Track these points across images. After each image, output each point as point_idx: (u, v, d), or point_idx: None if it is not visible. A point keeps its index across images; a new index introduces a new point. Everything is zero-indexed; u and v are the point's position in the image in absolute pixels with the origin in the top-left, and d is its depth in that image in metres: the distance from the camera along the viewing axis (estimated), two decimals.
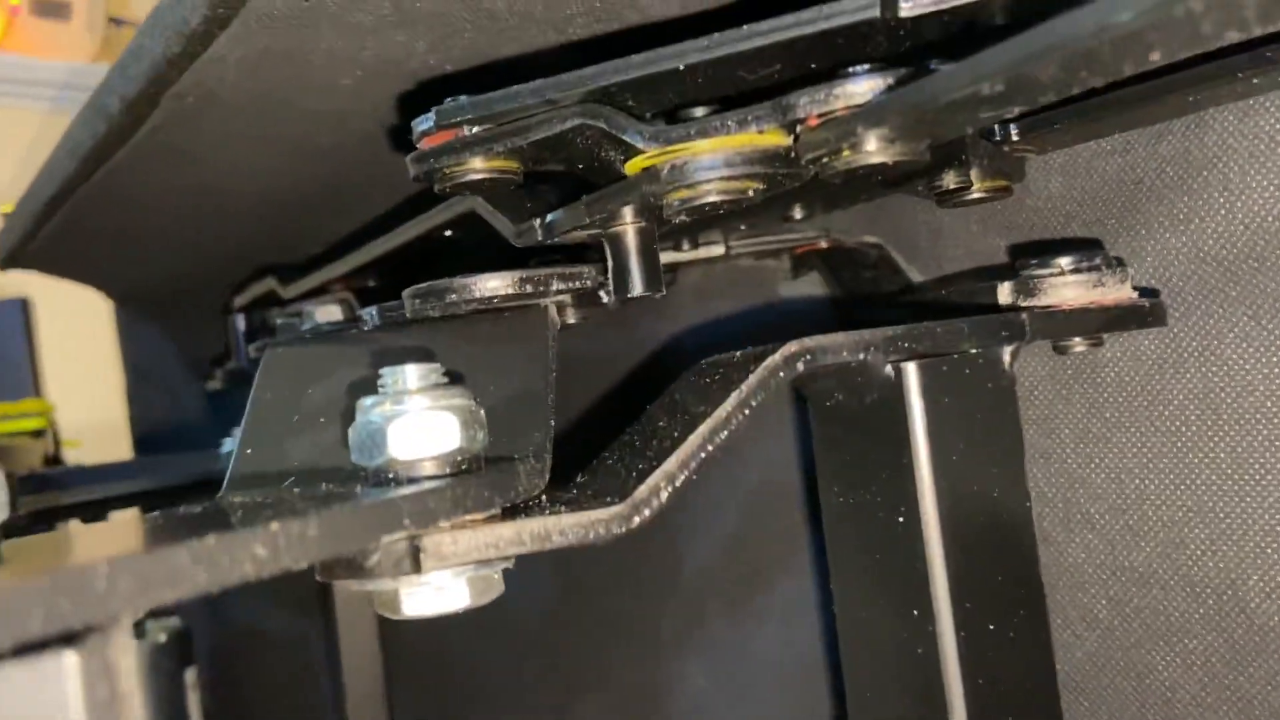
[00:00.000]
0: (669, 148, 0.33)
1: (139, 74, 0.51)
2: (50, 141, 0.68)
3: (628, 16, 0.47)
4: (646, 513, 0.31)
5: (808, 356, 0.34)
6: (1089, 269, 0.40)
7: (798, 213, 0.53)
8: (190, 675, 0.74)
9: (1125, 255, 0.46)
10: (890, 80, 0.31)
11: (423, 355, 0.33)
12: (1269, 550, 0.44)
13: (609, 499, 0.31)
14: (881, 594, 0.38)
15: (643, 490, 0.31)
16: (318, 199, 0.64)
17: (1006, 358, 0.39)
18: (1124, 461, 0.48)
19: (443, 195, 0.38)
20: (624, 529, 0.30)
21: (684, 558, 0.70)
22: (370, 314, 0.40)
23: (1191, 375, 0.45)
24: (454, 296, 0.36)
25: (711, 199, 0.34)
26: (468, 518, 0.30)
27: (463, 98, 0.37)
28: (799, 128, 0.33)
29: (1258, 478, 0.44)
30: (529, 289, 0.37)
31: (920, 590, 0.36)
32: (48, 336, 1.16)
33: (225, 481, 0.36)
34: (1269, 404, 0.43)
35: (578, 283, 0.37)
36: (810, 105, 0.31)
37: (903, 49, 0.35)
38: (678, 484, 0.31)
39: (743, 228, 0.58)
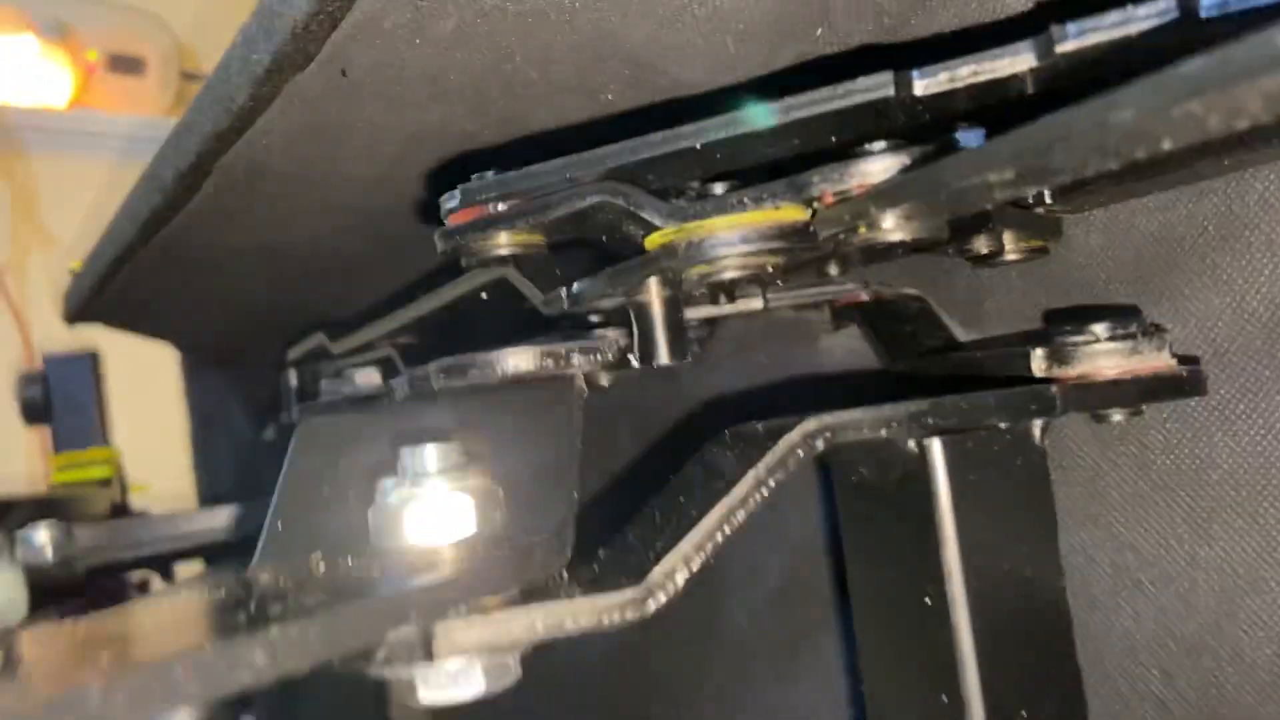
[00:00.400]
0: (686, 225, 0.33)
1: (190, 147, 0.53)
2: (122, 193, 0.70)
3: (660, 84, 0.47)
4: (663, 597, 0.31)
5: (827, 434, 0.33)
6: (1125, 336, 0.40)
7: (834, 269, 0.53)
8: None
9: (1168, 315, 0.45)
10: (906, 160, 0.31)
11: (442, 435, 0.33)
12: None
13: (625, 581, 0.31)
14: (910, 677, 0.37)
15: (657, 574, 0.30)
16: (363, 259, 0.65)
17: (1037, 432, 0.38)
18: (1173, 526, 0.46)
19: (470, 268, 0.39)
20: (639, 614, 0.30)
21: (727, 615, 0.70)
22: (401, 384, 0.41)
23: (1240, 438, 0.44)
24: (475, 373, 0.36)
25: (730, 275, 0.34)
26: (484, 601, 0.30)
27: (489, 174, 0.38)
28: (815, 203, 0.33)
29: None
30: (550, 364, 0.37)
31: (949, 675, 0.35)
32: (117, 384, 1.19)
33: (256, 553, 0.37)
34: None
35: (598, 356, 0.38)
36: (824, 184, 0.31)
37: (927, 121, 0.35)
38: (694, 567, 0.31)
39: (779, 283, 0.58)
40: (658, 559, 0.31)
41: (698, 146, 0.33)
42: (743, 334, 0.68)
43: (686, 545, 0.31)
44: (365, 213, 0.61)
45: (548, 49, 0.44)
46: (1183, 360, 0.42)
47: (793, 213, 0.33)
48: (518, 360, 0.37)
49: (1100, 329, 0.40)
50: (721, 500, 0.32)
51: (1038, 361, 0.40)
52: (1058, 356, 0.40)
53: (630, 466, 0.71)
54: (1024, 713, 0.36)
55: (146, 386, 1.32)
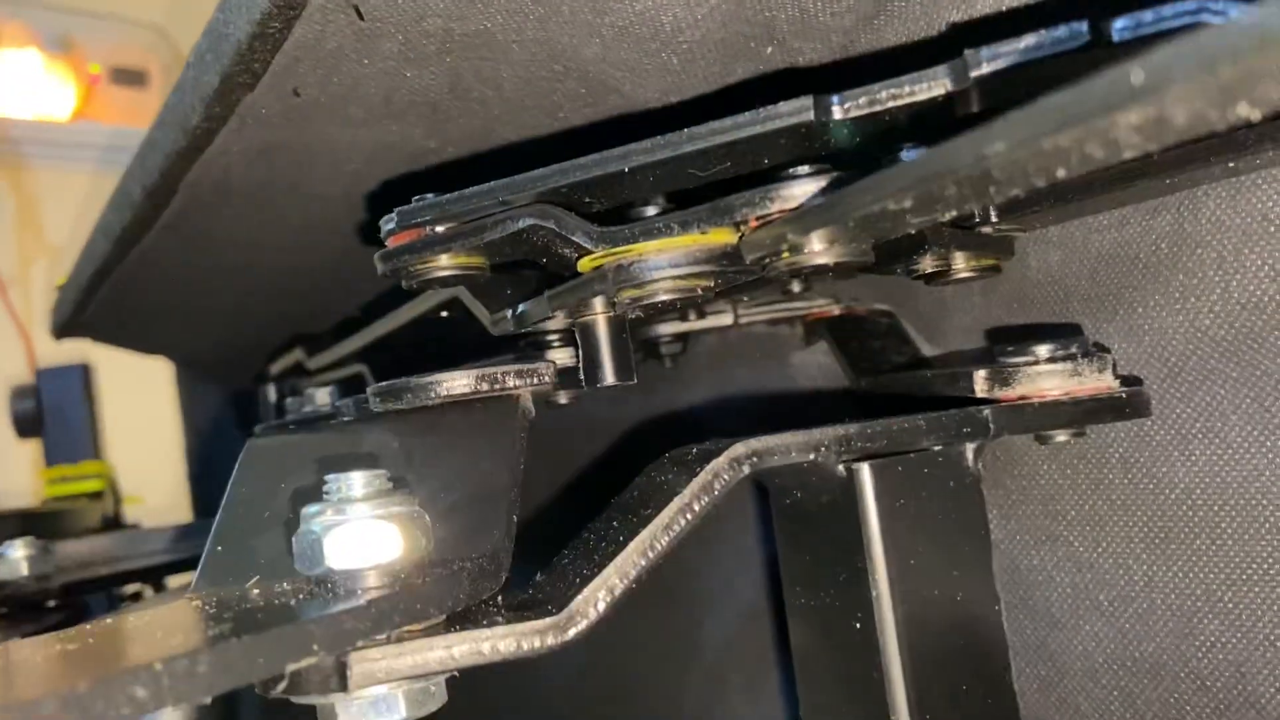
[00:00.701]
0: (615, 249, 0.33)
1: (154, 165, 0.54)
2: None
3: (614, 102, 0.47)
4: (583, 624, 0.30)
5: (754, 458, 0.33)
6: (1065, 358, 0.39)
7: (796, 286, 0.53)
8: None
9: (1123, 333, 0.44)
10: (824, 184, 0.31)
11: (371, 461, 0.33)
12: (1279, 642, 0.41)
13: (549, 608, 0.31)
14: (842, 699, 0.37)
15: (579, 601, 0.30)
16: (335, 275, 0.66)
17: (970, 455, 0.38)
18: (1130, 546, 0.46)
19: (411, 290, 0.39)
20: (558, 641, 0.30)
21: (704, 629, 0.70)
22: (347, 405, 0.41)
23: (1197, 457, 0.43)
24: (410, 397, 0.36)
25: (661, 298, 0.34)
26: (405, 629, 0.30)
27: (429, 196, 0.38)
28: (743, 227, 0.32)
29: (1266, 565, 0.42)
30: (485, 386, 0.37)
31: (878, 698, 0.35)
32: (110, 397, 1.20)
33: (195, 577, 0.37)
34: (1275, 489, 0.41)
35: (534, 379, 0.38)
36: (746, 209, 0.31)
37: (856, 144, 0.34)
38: (616, 594, 0.31)
39: (745, 299, 0.57)
40: (582, 586, 0.31)
41: (626, 170, 0.33)
42: (717, 349, 0.68)
43: (610, 572, 0.31)
44: (335, 229, 0.61)
45: (498, 68, 0.44)
46: (1125, 381, 0.42)
47: (721, 236, 0.33)
48: (453, 384, 0.36)
49: (1042, 350, 0.39)
50: (646, 527, 0.31)
51: (979, 383, 0.39)
52: (999, 378, 0.39)
53: (600, 483, 0.71)
54: None
55: (143, 400, 1.33)
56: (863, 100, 0.30)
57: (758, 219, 0.32)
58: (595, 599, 0.31)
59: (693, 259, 0.33)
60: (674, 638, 0.72)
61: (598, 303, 0.39)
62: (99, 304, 0.80)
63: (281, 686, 0.27)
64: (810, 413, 0.65)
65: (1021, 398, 0.39)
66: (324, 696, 0.29)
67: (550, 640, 0.30)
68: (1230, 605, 0.43)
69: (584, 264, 0.35)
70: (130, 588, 0.96)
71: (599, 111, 0.49)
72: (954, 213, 0.26)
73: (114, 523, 1.04)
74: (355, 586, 0.30)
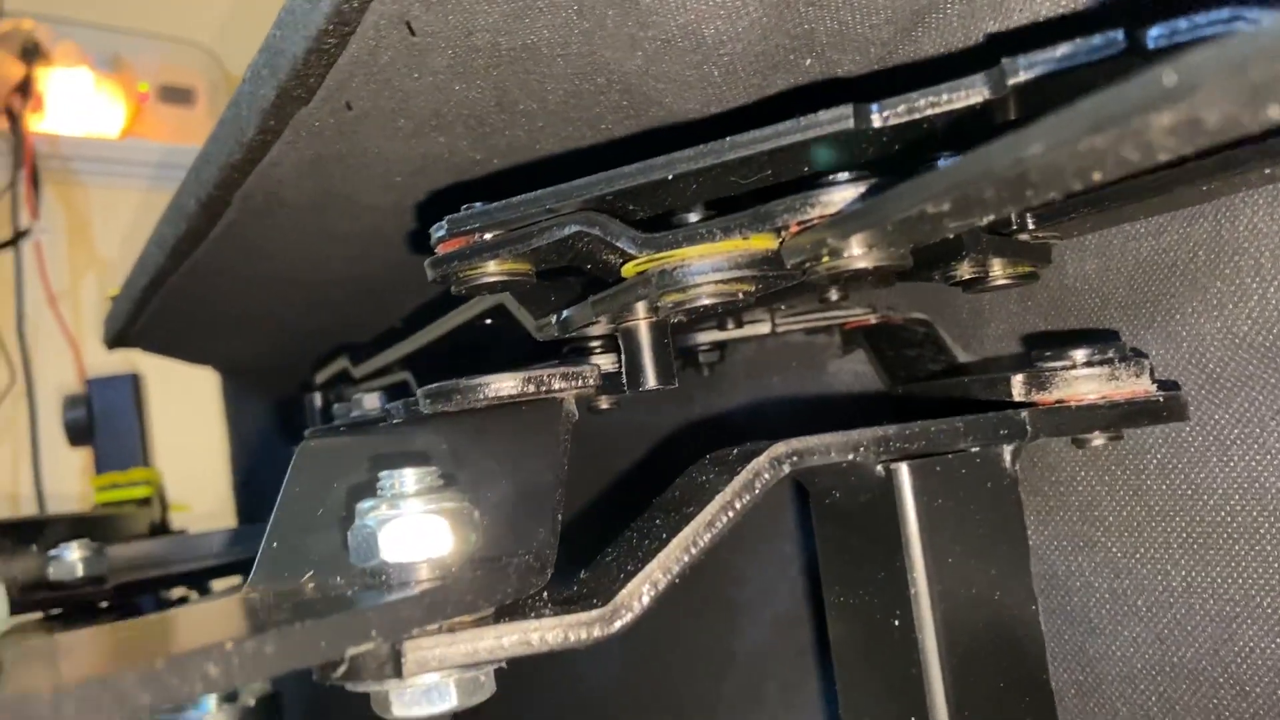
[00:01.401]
0: (659, 254, 0.34)
1: (209, 178, 0.55)
2: None
3: (655, 114, 0.48)
4: (628, 616, 0.31)
5: (794, 458, 0.34)
6: (1102, 362, 0.40)
7: (834, 294, 0.53)
8: None
9: (1160, 339, 0.45)
10: (863, 190, 0.31)
11: (423, 458, 0.34)
12: None
13: (595, 601, 0.32)
14: (881, 697, 0.37)
15: (624, 594, 0.31)
16: (383, 284, 0.67)
17: (1007, 456, 0.39)
18: (1169, 552, 0.46)
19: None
20: (605, 633, 0.31)
21: (741, 636, 0.70)
22: (397, 408, 0.42)
23: (1235, 463, 0.44)
24: (459, 398, 0.37)
25: (704, 301, 0.35)
26: (456, 620, 0.31)
27: (477, 205, 0.39)
28: (783, 233, 0.33)
29: None
30: (531, 389, 0.38)
31: (916, 696, 0.35)
32: (159, 407, 1.23)
33: (251, 574, 0.38)
34: None
35: (579, 381, 0.39)
36: (788, 214, 0.32)
37: (895, 152, 0.35)
38: (660, 588, 0.32)
39: (782, 307, 0.58)
40: (627, 580, 0.32)
41: (669, 178, 0.34)
42: (754, 358, 0.69)
43: (653, 567, 0.32)
44: (382, 239, 0.63)
45: (543, 82, 0.45)
46: (1163, 386, 0.42)
47: (762, 241, 0.34)
48: (501, 385, 0.38)
49: (1079, 355, 0.40)
50: (690, 523, 0.32)
51: (1017, 387, 0.40)
52: (1036, 382, 0.40)
53: (640, 488, 0.71)
54: None
55: (190, 410, 1.36)
56: (901, 109, 0.31)
57: (798, 224, 0.32)
58: (640, 592, 0.32)
59: (735, 263, 0.34)
60: (711, 645, 0.72)
61: (640, 308, 0.40)
62: (151, 315, 0.82)
63: (341, 671, 0.29)
64: (847, 420, 0.65)
65: (1058, 401, 0.40)
66: (379, 684, 0.30)
67: (596, 632, 0.31)
68: (1269, 610, 0.43)
69: (628, 269, 0.36)
70: (175, 592, 0.99)
71: (641, 123, 0.50)
72: (991, 216, 0.27)
73: (161, 529, 1.06)
74: (408, 579, 0.31)
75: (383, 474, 0.33)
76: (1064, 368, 0.40)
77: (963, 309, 0.56)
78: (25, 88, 1.57)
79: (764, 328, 0.62)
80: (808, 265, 0.33)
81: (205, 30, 1.79)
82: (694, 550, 0.32)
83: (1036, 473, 0.50)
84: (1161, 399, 0.41)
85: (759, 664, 0.69)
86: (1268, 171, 0.36)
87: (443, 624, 0.30)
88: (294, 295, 0.73)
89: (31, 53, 1.58)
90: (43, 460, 1.50)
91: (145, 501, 1.03)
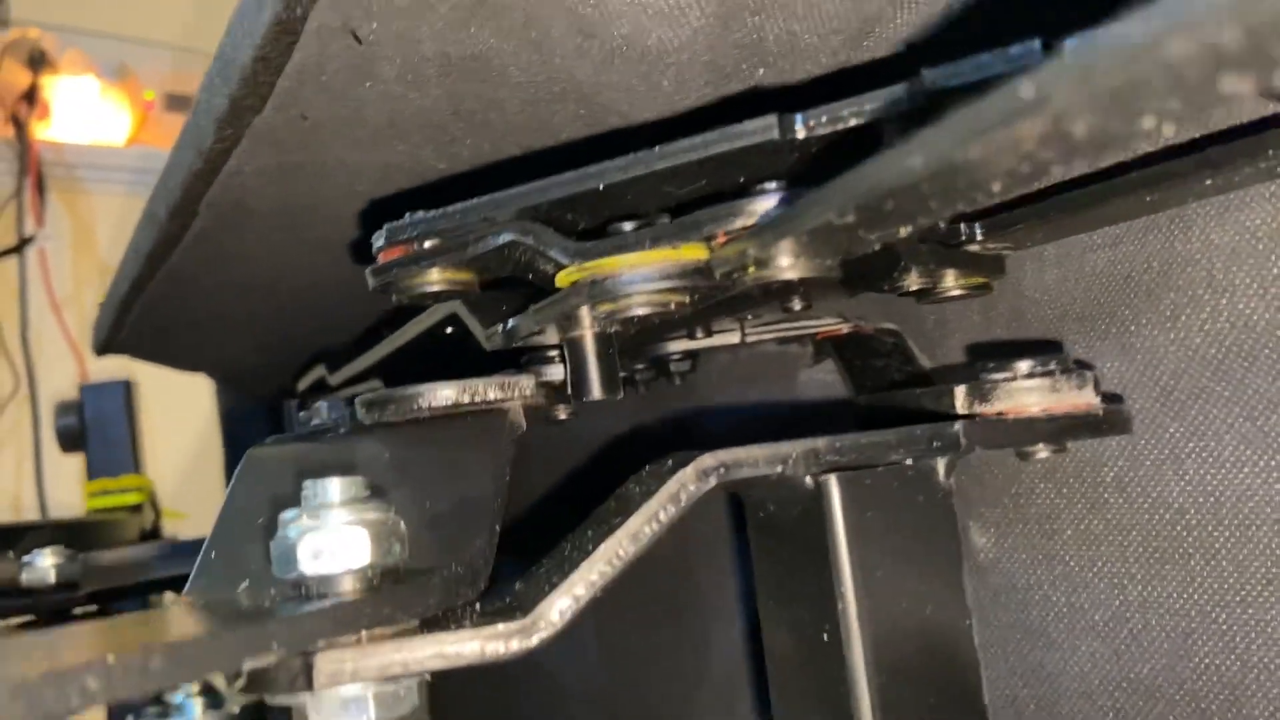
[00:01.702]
0: (589, 263, 0.34)
1: (176, 185, 0.56)
2: None
3: (613, 123, 0.48)
4: (547, 630, 0.31)
5: (722, 470, 0.34)
6: (1044, 374, 0.39)
7: (796, 305, 0.53)
8: None
9: (1116, 351, 0.44)
10: (784, 199, 0.31)
11: (348, 469, 0.34)
12: (1272, 665, 0.41)
13: (517, 614, 0.31)
14: (812, 710, 0.37)
15: (543, 607, 0.31)
16: (352, 292, 0.67)
17: (941, 469, 0.38)
18: (1126, 566, 0.46)
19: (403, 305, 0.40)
20: (524, 646, 0.31)
21: (715, 648, 0.70)
22: (342, 418, 0.42)
23: (1190, 476, 0.43)
24: (394, 408, 0.37)
25: (636, 312, 0.34)
26: (376, 631, 0.31)
27: (420, 213, 0.39)
28: (712, 243, 0.33)
29: (1260, 586, 0.41)
30: (467, 398, 0.38)
31: (844, 709, 0.35)
32: (154, 414, 1.23)
33: (188, 583, 0.38)
34: (1268, 509, 0.41)
35: (517, 392, 0.38)
36: (713, 224, 0.32)
37: (831, 162, 0.35)
38: (582, 601, 0.31)
39: (749, 317, 0.58)
40: (549, 592, 0.32)
41: (600, 188, 0.34)
42: (727, 367, 0.69)
43: (574, 579, 0.31)
44: (350, 246, 0.63)
45: (498, 90, 0.45)
46: (1108, 399, 0.42)
47: (693, 252, 0.34)
48: (436, 395, 0.37)
49: (1022, 366, 0.39)
50: (612, 535, 0.32)
51: (960, 399, 0.40)
52: (979, 393, 0.40)
53: (600, 498, 0.71)
54: None
55: (187, 417, 1.37)
56: (825, 118, 0.31)
57: (725, 234, 0.32)
58: (559, 605, 0.31)
59: (665, 274, 0.33)
60: (685, 656, 0.72)
61: (584, 318, 0.40)
62: (134, 322, 0.82)
63: (241, 684, 0.28)
64: (817, 430, 0.65)
65: (999, 414, 0.39)
66: (293, 696, 0.30)
67: (515, 645, 0.31)
68: (1225, 626, 0.42)
69: (560, 279, 0.36)
70: (166, 598, 0.99)
71: (600, 132, 0.50)
72: (909, 228, 0.26)
73: (153, 536, 1.07)
74: (328, 591, 0.31)
75: (306, 484, 0.32)
76: (1006, 379, 0.39)
77: (928, 319, 0.55)
78: (31, 96, 1.59)
79: (734, 337, 0.62)
80: (735, 276, 0.32)
81: (211, 39, 1.80)
82: (617, 562, 0.32)
83: (995, 484, 0.50)
84: (1101, 413, 0.40)
85: (732, 674, 0.69)
86: (1209, 182, 0.36)
87: (361, 636, 0.30)
88: (270, 302, 0.73)
89: (38, 61, 1.60)
90: (45, 466, 1.51)
91: (136, 508, 1.03)
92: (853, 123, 0.30)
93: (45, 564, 0.64)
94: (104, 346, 0.91)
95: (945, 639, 0.37)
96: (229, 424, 1.24)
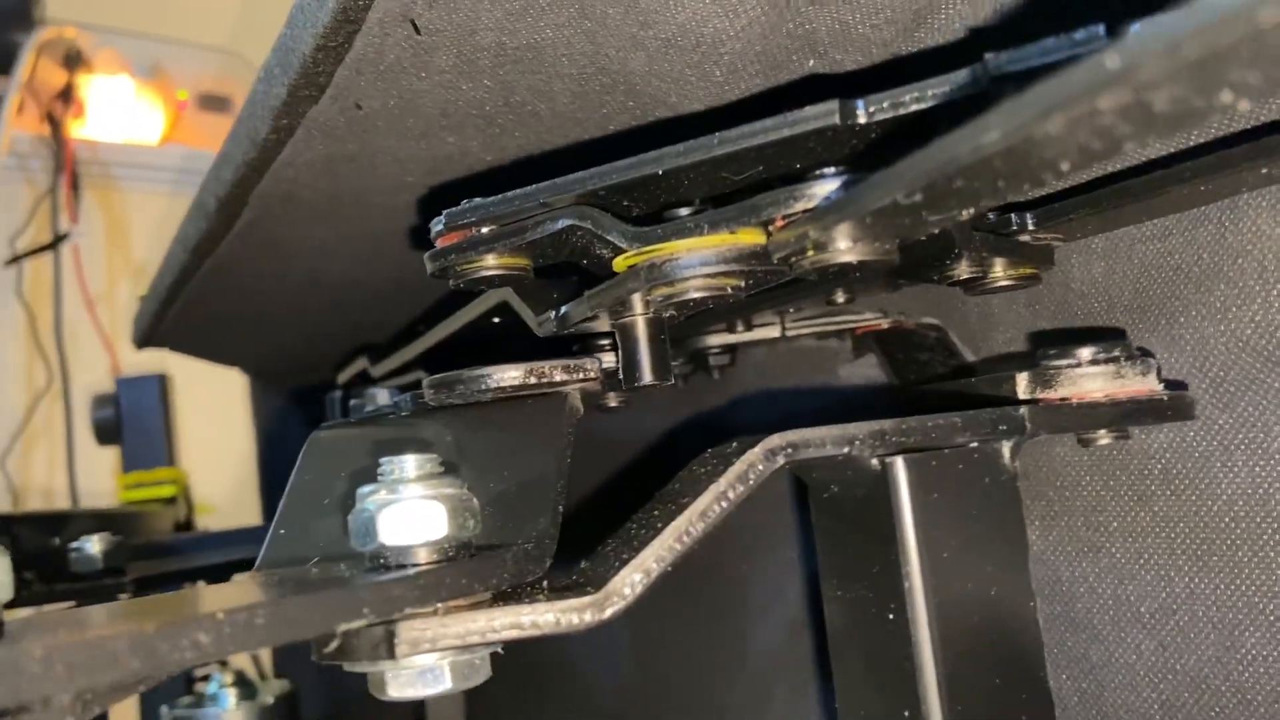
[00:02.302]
0: (647, 248, 0.35)
1: (227, 177, 0.56)
2: None
3: (661, 115, 0.49)
4: (620, 603, 0.32)
5: (789, 450, 0.34)
6: (1108, 360, 0.40)
7: (840, 297, 0.53)
8: None
9: (1165, 343, 0.44)
10: (846, 183, 0.32)
11: (425, 446, 0.35)
12: None
13: (589, 589, 0.32)
14: (876, 692, 0.37)
15: (616, 581, 0.32)
16: (395, 285, 0.68)
17: (1006, 453, 0.38)
18: (1173, 558, 0.46)
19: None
20: (596, 619, 0.31)
21: (751, 639, 0.70)
22: (404, 401, 0.43)
23: (1239, 468, 0.43)
24: (462, 388, 0.38)
25: (693, 295, 0.35)
26: (451, 603, 0.31)
27: (477, 200, 0.40)
28: (770, 227, 0.34)
29: None
30: (533, 380, 0.38)
31: (910, 690, 0.35)
32: (190, 409, 1.25)
33: (258, 560, 0.39)
34: None
35: (581, 374, 0.39)
36: (772, 208, 0.32)
37: (887, 149, 0.35)
38: (652, 576, 0.32)
39: (791, 310, 0.58)
40: (620, 568, 0.32)
41: (659, 173, 0.34)
42: (765, 361, 0.69)
43: (646, 555, 0.32)
44: (396, 240, 0.63)
45: (550, 82, 0.46)
46: (1170, 385, 0.42)
47: (750, 236, 0.34)
48: (503, 376, 0.38)
49: (1085, 353, 0.40)
50: (683, 513, 0.32)
51: (1022, 385, 0.40)
52: (1041, 380, 0.40)
53: (648, 488, 0.72)
54: None
55: (220, 412, 1.38)
56: (887, 104, 0.31)
57: (784, 218, 0.33)
58: (631, 580, 0.32)
59: (722, 258, 0.34)
60: (720, 649, 0.72)
61: (636, 304, 0.40)
62: (176, 314, 0.84)
63: (334, 645, 0.29)
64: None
65: (1062, 399, 0.40)
66: (374, 664, 0.31)
67: (588, 617, 0.31)
68: (1272, 617, 0.42)
69: (618, 263, 0.36)
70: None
71: (646, 123, 0.50)
72: (971, 209, 0.27)
73: (185, 528, 1.08)
74: (406, 562, 0.31)
75: (383, 460, 0.33)
76: (1069, 366, 0.40)
77: (972, 313, 0.56)
78: (67, 94, 1.61)
79: (774, 331, 0.62)
80: (793, 260, 0.33)
81: (244, 39, 1.82)
82: (686, 539, 0.32)
83: (1041, 476, 0.50)
84: (1166, 398, 0.40)
85: (768, 668, 0.69)
86: (1264, 171, 0.36)
87: (438, 607, 0.31)
88: (313, 295, 0.74)
89: (74, 60, 1.61)
90: (77, 459, 1.53)
91: (170, 500, 1.05)
92: (915, 108, 0.31)
93: (94, 550, 0.65)
94: (144, 339, 0.92)
95: (1010, 621, 0.38)
96: (262, 419, 1.25)
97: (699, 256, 0.34)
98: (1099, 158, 0.22)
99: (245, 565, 0.92)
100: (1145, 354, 0.42)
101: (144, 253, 1.70)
